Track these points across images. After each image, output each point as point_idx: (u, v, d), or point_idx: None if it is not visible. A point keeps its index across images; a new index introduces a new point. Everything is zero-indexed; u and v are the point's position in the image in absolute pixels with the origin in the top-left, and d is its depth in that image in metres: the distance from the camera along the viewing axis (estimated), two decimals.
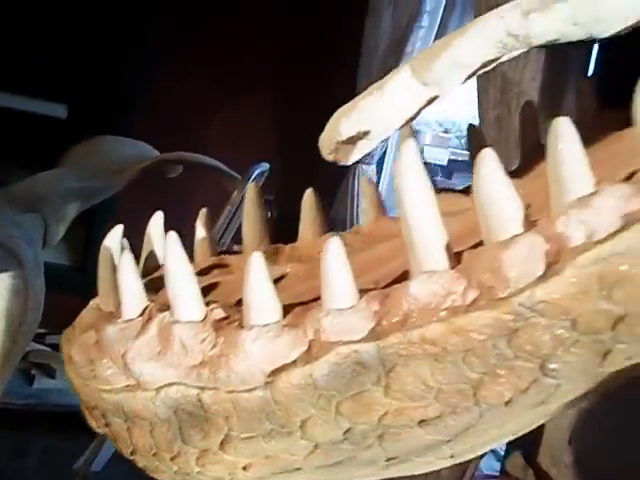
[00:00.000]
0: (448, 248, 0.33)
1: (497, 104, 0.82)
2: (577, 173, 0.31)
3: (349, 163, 0.40)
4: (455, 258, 0.34)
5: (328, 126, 0.39)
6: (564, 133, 0.31)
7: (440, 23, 1.81)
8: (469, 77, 0.39)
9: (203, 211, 0.44)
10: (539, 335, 0.32)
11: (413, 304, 0.33)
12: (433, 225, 0.33)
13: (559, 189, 0.32)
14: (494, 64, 0.39)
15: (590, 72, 0.61)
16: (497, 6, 0.41)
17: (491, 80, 0.80)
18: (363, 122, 0.38)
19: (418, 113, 0.39)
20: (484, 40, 0.37)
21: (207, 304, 0.37)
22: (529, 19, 0.36)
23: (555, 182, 0.32)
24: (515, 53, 0.38)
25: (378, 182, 1.85)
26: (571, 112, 0.57)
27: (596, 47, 0.72)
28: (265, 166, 1.45)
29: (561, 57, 0.71)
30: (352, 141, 0.39)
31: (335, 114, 0.39)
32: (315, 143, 0.40)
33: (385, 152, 1.81)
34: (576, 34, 0.36)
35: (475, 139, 0.49)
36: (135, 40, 2.45)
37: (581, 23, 0.36)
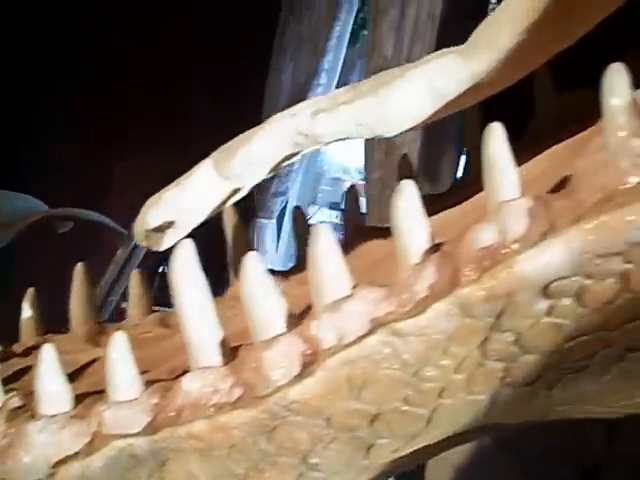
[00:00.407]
0: (223, 344, 0.34)
1: (382, 165, 0.84)
2: (332, 277, 0.33)
3: (161, 249, 0.41)
4: (234, 353, 0.35)
5: (140, 214, 0.41)
6: (321, 238, 0.33)
7: (339, 81, 1.83)
8: (273, 169, 0.41)
9: (30, 290, 0.45)
10: (297, 432, 0.33)
11: (186, 399, 0.34)
12: (207, 323, 0.34)
13: (316, 292, 0.33)
14: (298, 156, 0.40)
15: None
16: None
17: (377, 142, 0.82)
18: (168, 213, 0.40)
19: (223, 204, 0.41)
20: (277, 138, 0.38)
21: (10, 391, 0.38)
22: (317, 119, 0.37)
23: (313, 286, 0.33)
24: (315, 148, 0.40)
25: (278, 237, 1.81)
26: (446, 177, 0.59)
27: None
28: None
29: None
30: (161, 229, 0.40)
31: (146, 203, 0.41)
32: None
33: (285, 207, 1.80)
34: (361, 133, 0.38)
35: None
36: (30, 92, 2.40)
37: (364, 124, 0.37)
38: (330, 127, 0.37)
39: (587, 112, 0.42)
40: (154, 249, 0.41)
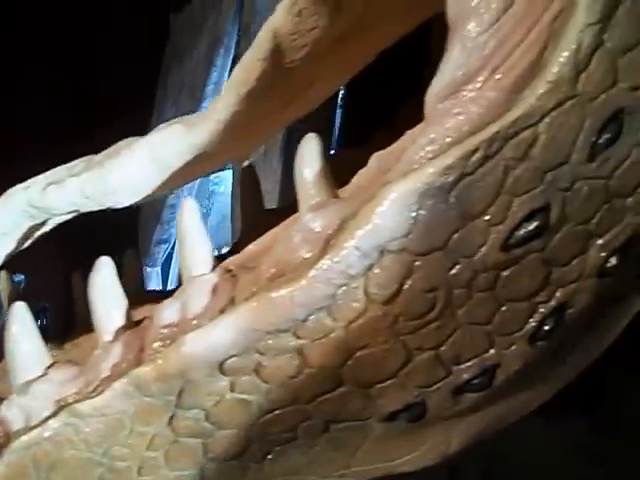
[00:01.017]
0: None
1: None
2: (26, 357, 0.33)
3: None
4: None
5: None
6: (17, 316, 0.33)
7: None
8: (23, 240, 0.40)
9: None
10: None
11: None
12: None
13: (10, 372, 0.33)
14: (47, 227, 0.40)
15: None
16: None
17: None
18: None
19: None
20: (10, 210, 0.38)
21: None
22: (46, 192, 0.38)
23: (8, 366, 0.33)
24: (64, 218, 0.40)
25: (165, 285, 1.75)
26: None
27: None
28: (20, 277, 1.30)
29: None
30: None
31: None
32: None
33: (171, 255, 1.73)
34: (89, 205, 0.38)
35: None
36: None
37: (91, 196, 0.37)
38: (58, 199, 0.37)
39: (357, 171, 0.43)
40: None
